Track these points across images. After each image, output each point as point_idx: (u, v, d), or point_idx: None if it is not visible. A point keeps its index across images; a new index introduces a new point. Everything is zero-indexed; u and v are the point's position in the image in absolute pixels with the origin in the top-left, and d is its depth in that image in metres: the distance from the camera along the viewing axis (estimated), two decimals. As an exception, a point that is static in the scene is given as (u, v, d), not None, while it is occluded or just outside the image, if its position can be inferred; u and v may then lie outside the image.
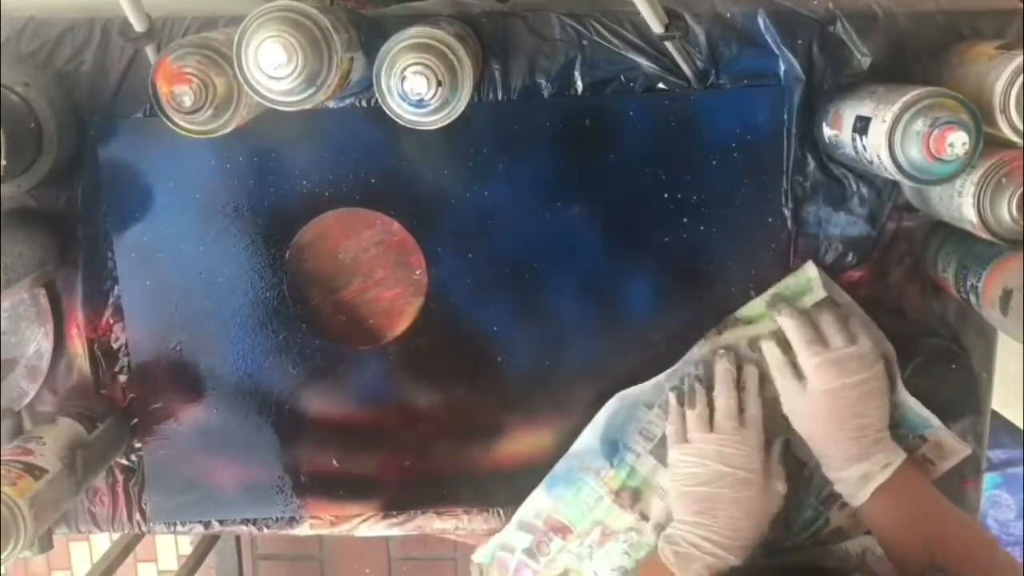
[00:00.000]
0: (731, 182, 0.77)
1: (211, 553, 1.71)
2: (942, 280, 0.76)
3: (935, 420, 0.77)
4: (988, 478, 1.25)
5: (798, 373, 0.73)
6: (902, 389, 0.76)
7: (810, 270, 0.77)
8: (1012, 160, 0.63)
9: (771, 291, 0.77)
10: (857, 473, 0.70)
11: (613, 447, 0.79)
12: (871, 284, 0.79)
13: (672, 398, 0.76)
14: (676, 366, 0.78)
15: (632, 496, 0.79)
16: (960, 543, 0.69)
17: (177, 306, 0.80)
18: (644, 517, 0.79)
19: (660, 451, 0.78)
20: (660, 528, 0.78)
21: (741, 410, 0.74)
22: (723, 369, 0.75)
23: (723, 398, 0.74)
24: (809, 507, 0.80)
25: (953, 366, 0.77)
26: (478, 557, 0.84)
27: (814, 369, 0.71)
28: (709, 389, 0.76)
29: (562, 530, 0.81)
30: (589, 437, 0.79)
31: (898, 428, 0.78)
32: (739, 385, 0.75)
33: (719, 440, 0.73)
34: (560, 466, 0.80)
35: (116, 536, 1.48)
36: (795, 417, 0.73)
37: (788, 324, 0.73)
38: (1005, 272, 0.68)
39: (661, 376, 0.78)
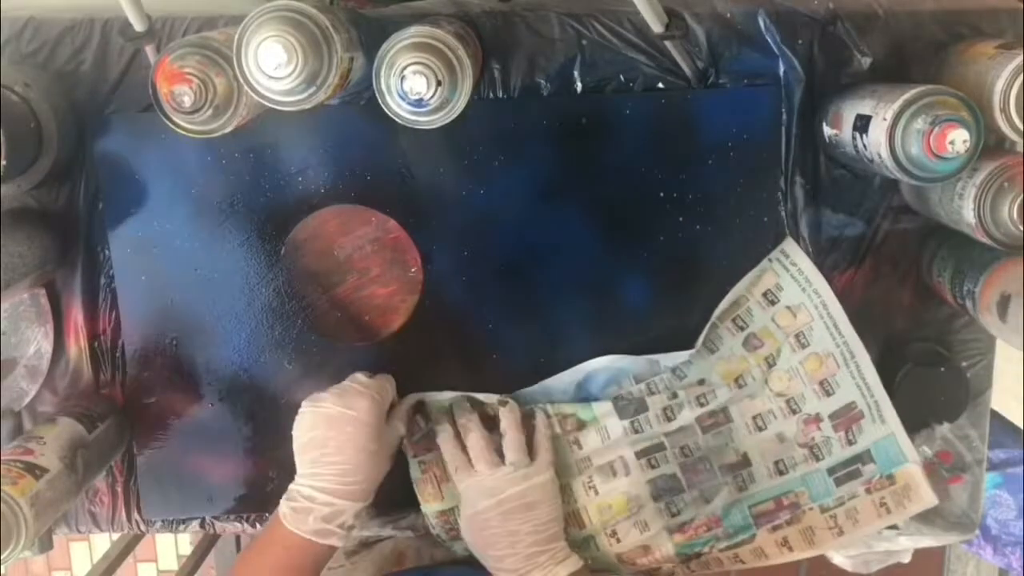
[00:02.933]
0: (729, 182, 0.77)
1: (211, 553, 1.71)
2: (937, 285, 0.76)
3: (913, 455, 0.75)
4: (988, 478, 1.25)
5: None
6: (893, 417, 0.75)
7: (783, 244, 0.76)
8: (1014, 165, 0.63)
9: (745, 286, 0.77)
10: None
11: (581, 397, 0.79)
12: (864, 286, 0.79)
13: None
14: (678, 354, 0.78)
15: (576, 424, 0.79)
16: None
17: (172, 301, 0.80)
18: (579, 444, 0.78)
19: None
20: (587, 464, 0.78)
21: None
22: None
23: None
24: (739, 512, 0.78)
25: (942, 369, 0.77)
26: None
27: (464, 493, 0.73)
28: None
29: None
30: (566, 380, 0.79)
31: (865, 465, 0.76)
32: None
33: (341, 386, 0.74)
34: (528, 389, 0.79)
35: (116, 536, 1.48)
36: (464, 534, 0.75)
37: (442, 446, 0.75)
38: (1003, 277, 0.68)
39: (656, 356, 0.78)
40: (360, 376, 0.75)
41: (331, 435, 0.72)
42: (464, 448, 0.74)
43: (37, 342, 0.80)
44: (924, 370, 0.77)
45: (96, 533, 0.87)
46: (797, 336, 0.76)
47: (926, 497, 0.75)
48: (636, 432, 0.78)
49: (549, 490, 0.73)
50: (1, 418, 0.79)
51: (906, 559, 0.89)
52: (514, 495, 0.71)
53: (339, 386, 0.74)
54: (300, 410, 0.74)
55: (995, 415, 0.84)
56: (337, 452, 0.71)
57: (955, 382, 0.78)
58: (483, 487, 0.72)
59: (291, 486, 0.73)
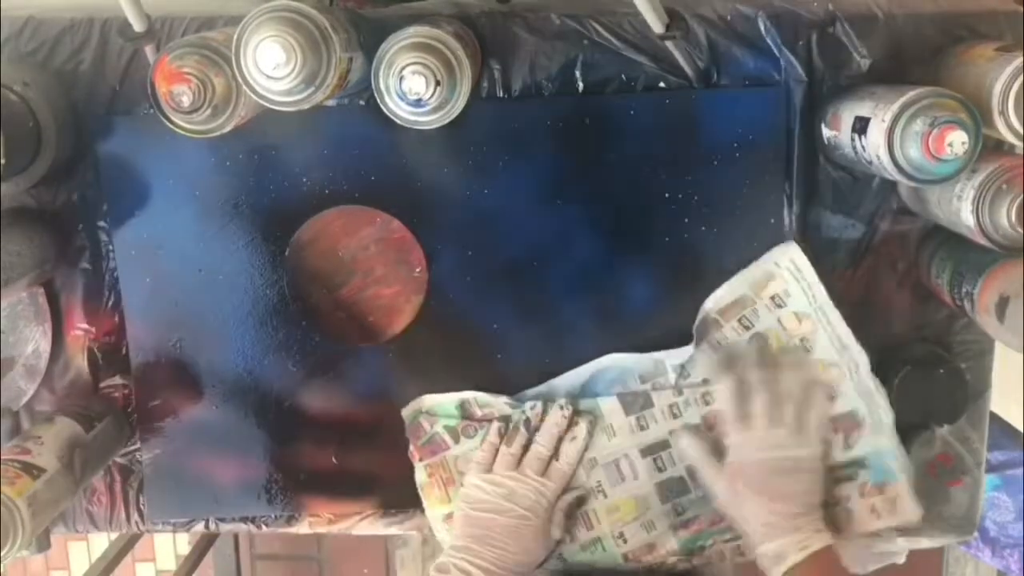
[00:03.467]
0: (731, 183, 0.77)
1: (209, 553, 1.71)
2: (935, 286, 0.76)
3: (904, 475, 0.76)
4: (987, 480, 1.25)
5: (718, 455, 0.74)
6: (891, 431, 0.75)
7: (793, 253, 0.76)
8: (1013, 167, 0.63)
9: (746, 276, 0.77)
10: (772, 550, 0.69)
11: (587, 396, 0.79)
12: (863, 288, 0.79)
13: (494, 430, 0.77)
14: (682, 350, 0.78)
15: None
16: None
17: (177, 303, 0.80)
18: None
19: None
20: (593, 464, 0.78)
21: (554, 458, 0.76)
22: (553, 421, 0.76)
23: (539, 446, 0.76)
24: None
25: (941, 371, 0.77)
26: (405, 411, 0.81)
27: (734, 445, 0.72)
28: (535, 431, 0.77)
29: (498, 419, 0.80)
30: (572, 381, 0.79)
31: (861, 470, 0.76)
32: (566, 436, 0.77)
33: (518, 479, 0.75)
34: (534, 389, 0.80)
35: (114, 536, 1.48)
36: (717, 497, 0.74)
37: (724, 393, 0.74)
38: (1002, 279, 0.68)
39: (661, 353, 0.78)
40: (536, 470, 0.75)
41: (500, 521, 0.73)
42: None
43: (35, 341, 0.80)
44: (923, 372, 0.77)
45: (94, 533, 0.87)
46: (802, 340, 0.76)
47: (910, 511, 0.76)
48: (642, 429, 0.78)
49: (816, 464, 0.72)
50: (-1, 417, 0.79)
51: (901, 560, 0.88)
52: (785, 457, 0.71)
53: (519, 478, 0.75)
54: (476, 482, 0.75)
55: (993, 417, 0.84)
56: (503, 536, 0.73)
57: (954, 384, 0.78)
58: (759, 441, 0.71)
59: (442, 559, 0.74)
